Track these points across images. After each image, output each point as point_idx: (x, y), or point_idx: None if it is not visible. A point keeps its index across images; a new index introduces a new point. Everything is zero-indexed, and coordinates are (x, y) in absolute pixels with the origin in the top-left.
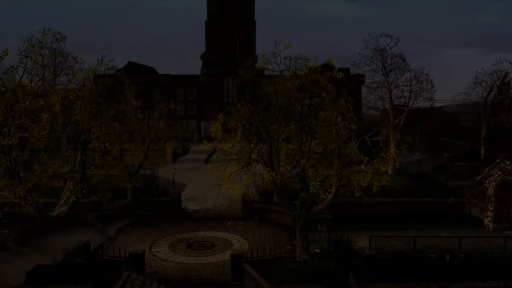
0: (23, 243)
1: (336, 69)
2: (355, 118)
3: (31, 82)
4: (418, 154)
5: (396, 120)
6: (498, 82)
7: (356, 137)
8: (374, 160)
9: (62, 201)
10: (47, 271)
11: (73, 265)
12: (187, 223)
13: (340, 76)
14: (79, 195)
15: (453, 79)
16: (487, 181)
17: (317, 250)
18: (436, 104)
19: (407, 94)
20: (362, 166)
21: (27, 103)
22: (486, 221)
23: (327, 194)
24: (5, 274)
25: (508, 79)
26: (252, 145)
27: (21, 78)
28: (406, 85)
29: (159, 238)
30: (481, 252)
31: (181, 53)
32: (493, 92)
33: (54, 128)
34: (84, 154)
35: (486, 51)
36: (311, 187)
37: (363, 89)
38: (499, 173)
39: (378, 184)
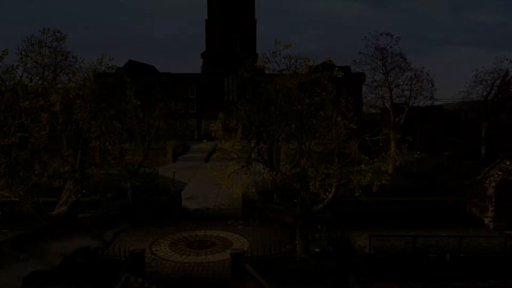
0: (20, 248)
1: (336, 68)
2: (355, 118)
3: (31, 81)
4: (418, 152)
5: (397, 119)
6: (498, 81)
7: (356, 136)
8: (374, 160)
9: (62, 200)
10: (45, 276)
11: (73, 265)
12: (187, 222)
13: (341, 76)
14: (79, 195)
15: (454, 77)
16: (487, 181)
17: (317, 250)
18: (437, 103)
19: (407, 93)
20: (362, 166)
21: (26, 102)
22: (486, 220)
23: (327, 193)
24: (2, 280)
25: (508, 77)
26: (252, 145)
27: (21, 77)
28: (407, 84)
29: (159, 237)
30: (481, 251)
31: (182, 52)
32: (493, 91)
33: (54, 128)
34: (84, 154)
35: (488, 49)
36: (311, 187)
37: (364, 88)
38: (499, 173)
39: (378, 183)
